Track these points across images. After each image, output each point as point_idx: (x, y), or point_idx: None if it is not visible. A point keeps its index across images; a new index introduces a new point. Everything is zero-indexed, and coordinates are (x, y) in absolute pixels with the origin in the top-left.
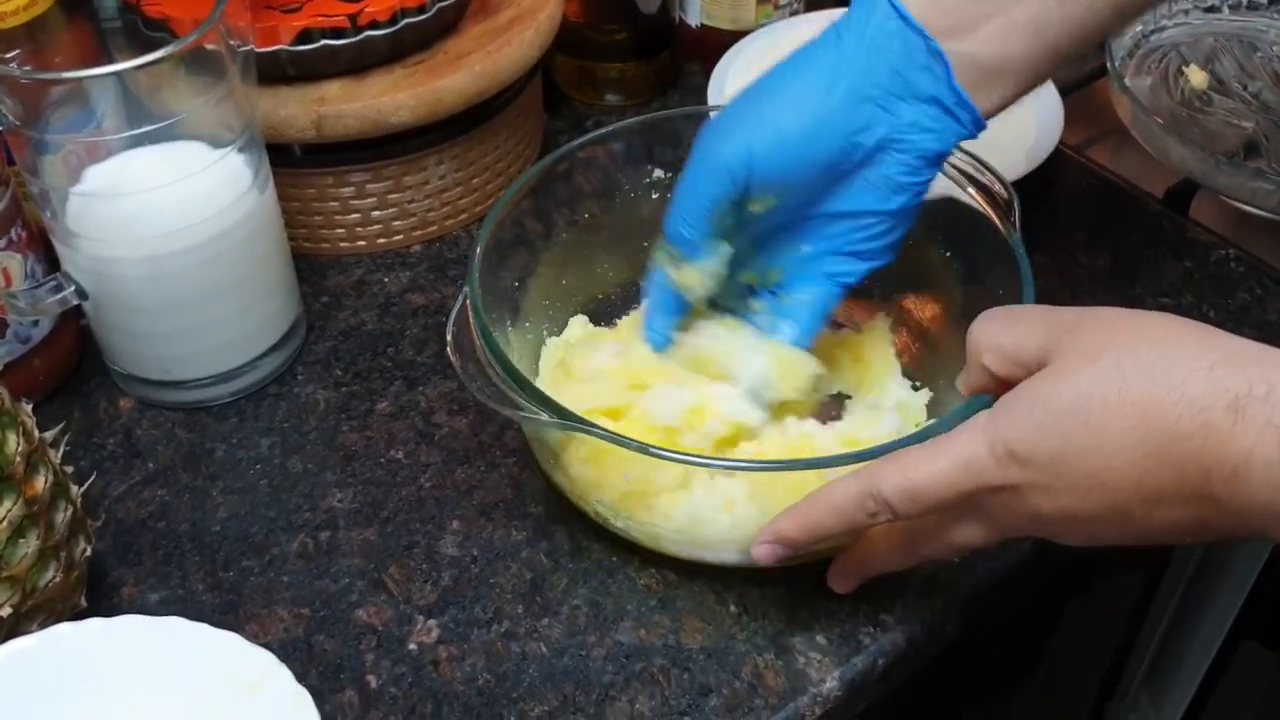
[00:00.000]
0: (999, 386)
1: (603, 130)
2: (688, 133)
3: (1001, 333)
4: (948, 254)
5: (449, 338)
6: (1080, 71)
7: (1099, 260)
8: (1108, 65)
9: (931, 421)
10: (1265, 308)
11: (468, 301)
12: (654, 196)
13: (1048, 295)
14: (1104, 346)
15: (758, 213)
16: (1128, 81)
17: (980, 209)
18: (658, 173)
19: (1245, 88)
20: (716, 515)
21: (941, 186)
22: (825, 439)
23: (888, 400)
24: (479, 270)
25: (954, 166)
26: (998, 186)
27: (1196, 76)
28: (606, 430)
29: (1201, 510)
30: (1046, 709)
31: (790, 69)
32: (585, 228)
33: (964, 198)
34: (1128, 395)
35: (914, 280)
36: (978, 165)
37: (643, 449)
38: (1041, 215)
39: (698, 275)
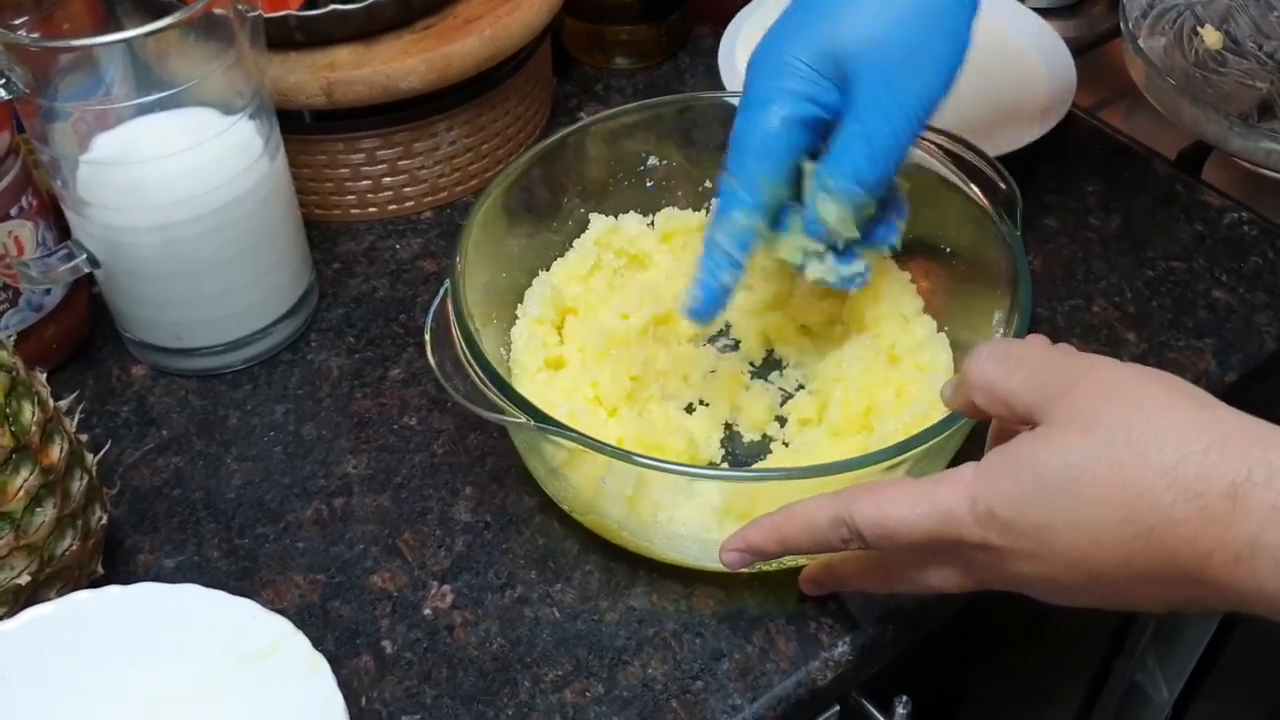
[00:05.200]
0: (983, 416)
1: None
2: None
3: (997, 377)
4: (947, 250)
5: (427, 336)
6: (1094, 32)
7: (1111, 223)
8: (1121, 26)
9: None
10: (1277, 271)
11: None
12: (648, 185)
13: (1059, 261)
14: (1098, 419)
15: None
16: (1141, 42)
17: (982, 206)
18: (652, 160)
19: (1261, 48)
20: (705, 523)
21: (946, 183)
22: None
23: (908, 309)
24: (464, 257)
25: (957, 163)
26: (1001, 184)
27: (1211, 37)
28: (583, 435)
29: (1196, 592)
30: (1054, 666)
31: None
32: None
33: (967, 194)
34: (1119, 474)
35: (912, 274)
36: (982, 160)
37: (622, 455)
38: (1053, 178)
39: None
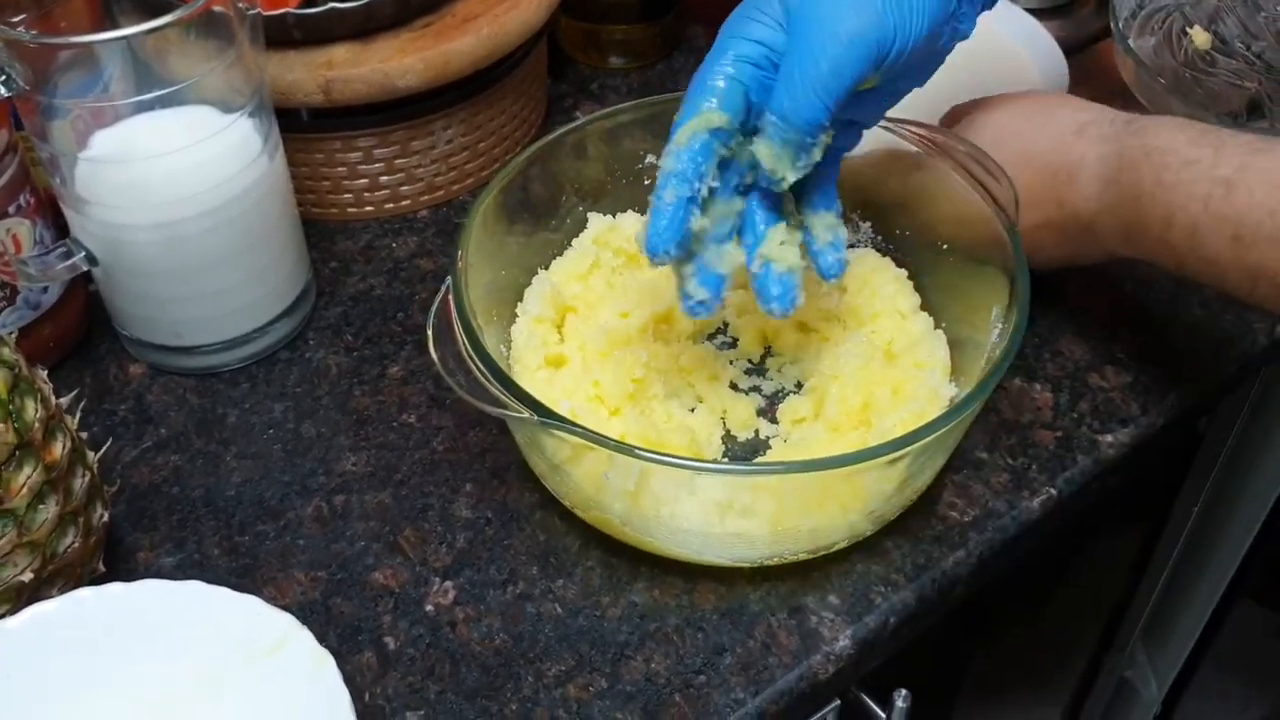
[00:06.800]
0: None
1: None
2: None
3: None
4: (943, 246)
5: (429, 332)
6: (1084, 32)
7: None
8: (1111, 26)
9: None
10: (1224, 296)
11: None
12: (646, 183)
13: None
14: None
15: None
16: (1131, 42)
17: (978, 202)
18: (650, 159)
19: (1249, 48)
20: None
21: (942, 180)
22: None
23: (905, 305)
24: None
25: (957, 161)
26: (1001, 183)
27: (1200, 37)
28: (587, 430)
29: (1054, 215)
30: (1044, 662)
31: None
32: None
33: (964, 190)
34: (1021, 129)
35: (909, 271)
36: (979, 157)
37: (625, 449)
38: None
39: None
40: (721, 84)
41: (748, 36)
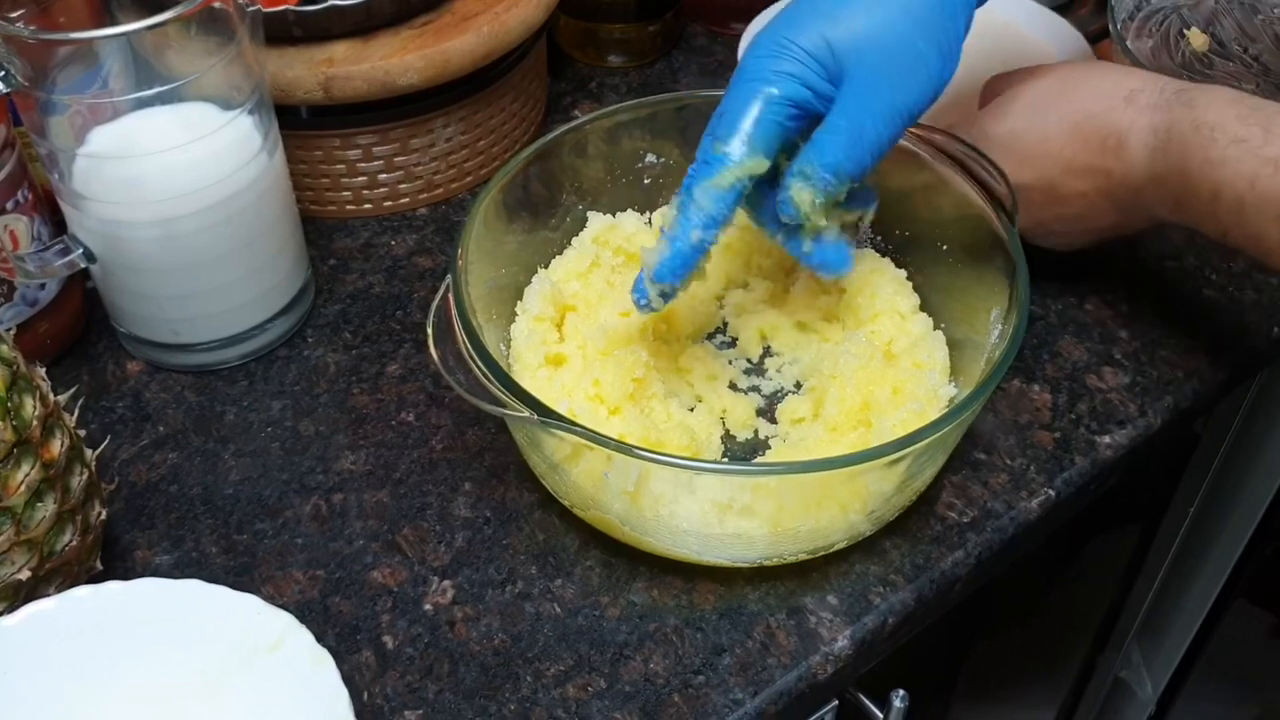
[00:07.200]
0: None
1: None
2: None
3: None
4: (943, 247)
5: (429, 331)
6: (1082, 33)
7: None
8: (1110, 27)
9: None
10: (1266, 270)
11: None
12: (645, 182)
13: (1051, 259)
14: (1049, 71)
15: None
16: (1129, 44)
17: (978, 203)
18: (650, 158)
19: (1246, 50)
20: (707, 517)
21: (942, 181)
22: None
23: (904, 306)
24: (466, 252)
25: (956, 161)
26: (1000, 183)
27: (1197, 39)
28: (586, 429)
29: (1102, 182)
30: (1040, 662)
31: None
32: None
33: (964, 191)
34: (1063, 94)
35: (909, 272)
36: (979, 160)
37: (625, 449)
38: None
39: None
40: (760, 126)
41: (790, 74)
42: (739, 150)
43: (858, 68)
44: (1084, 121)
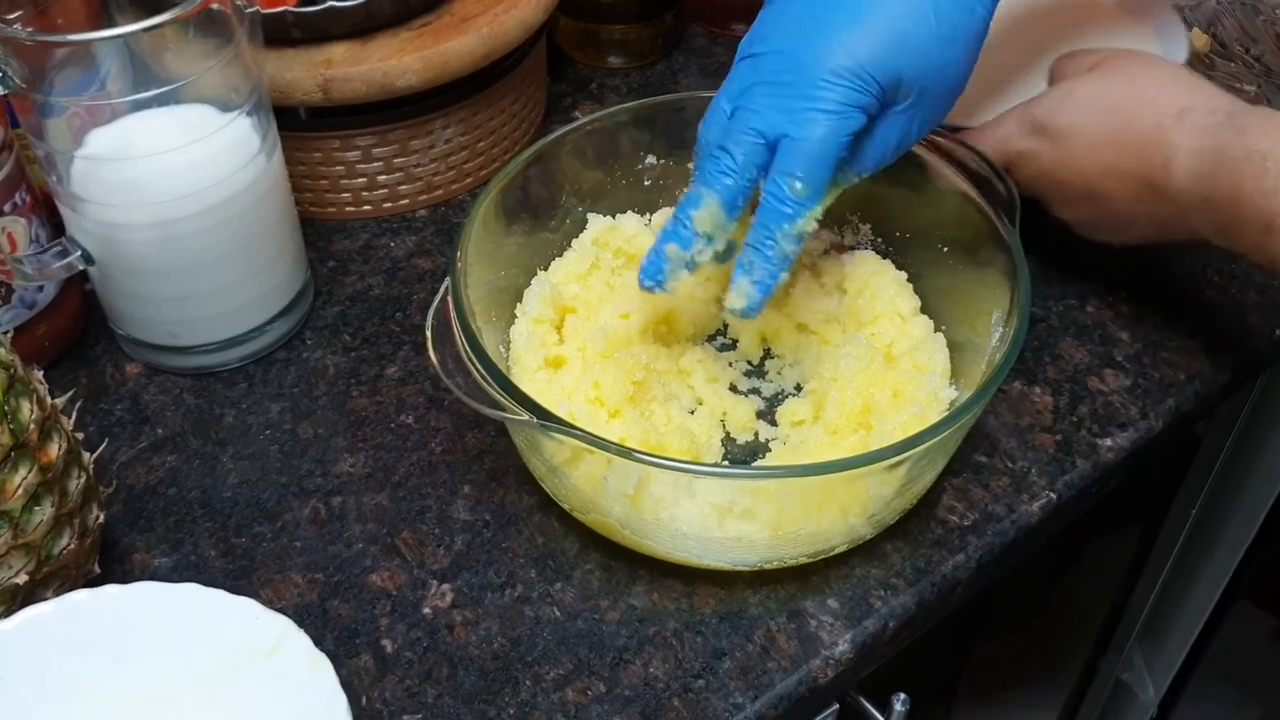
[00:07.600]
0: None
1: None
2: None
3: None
4: (944, 249)
5: (428, 333)
6: None
7: None
8: None
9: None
10: (1267, 273)
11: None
12: (645, 184)
13: (1053, 261)
14: (1112, 68)
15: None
16: None
17: (979, 205)
18: (649, 159)
19: (1247, 51)
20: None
21: (944, 183)
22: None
23: (905, 308)
24: (465, 254)
25: (958, 163)
26: (1001, 186)
27: (1199, 40)
28: (586, 433)
29: (1144, 194)
30: (1041, 664)
31: None
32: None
33: (965, 193)
34: (1120, 100)
35: (910, 274)
36: (980, 160)
37: (625, 453)
38: None
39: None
40: (837, 166)
41: (862, 109)
42: (818, 196)
43: (921, 95)
44: (1130, 136)
